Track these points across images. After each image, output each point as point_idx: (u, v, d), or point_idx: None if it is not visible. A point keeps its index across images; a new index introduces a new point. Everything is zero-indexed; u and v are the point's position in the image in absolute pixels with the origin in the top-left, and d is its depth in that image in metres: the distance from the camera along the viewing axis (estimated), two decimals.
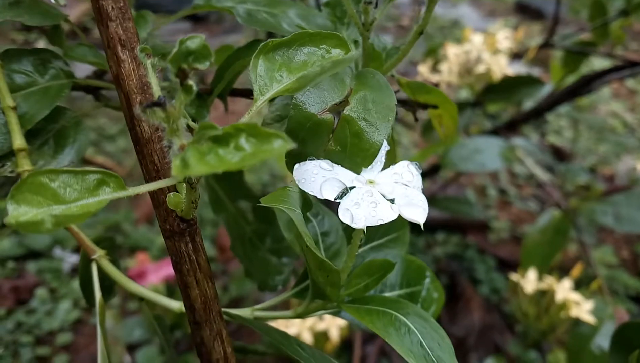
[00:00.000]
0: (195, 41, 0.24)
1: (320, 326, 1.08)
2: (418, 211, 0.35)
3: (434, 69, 1.42)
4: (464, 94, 1.41)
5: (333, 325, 1.08)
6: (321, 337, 1.09)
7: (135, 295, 0.41)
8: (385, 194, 0.35)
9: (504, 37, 1.40)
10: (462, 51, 1.37)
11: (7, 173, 0.42)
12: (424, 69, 1.42)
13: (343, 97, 0.37)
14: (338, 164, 0.37)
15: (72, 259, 1.57)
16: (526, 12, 3.60)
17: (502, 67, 1.35)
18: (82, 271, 0.44)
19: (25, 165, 0.41)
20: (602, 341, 1.09)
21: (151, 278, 1.35)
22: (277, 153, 0.23)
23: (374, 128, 0.37)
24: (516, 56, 1.58)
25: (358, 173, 0.37)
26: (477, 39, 1.38)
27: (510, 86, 1.34)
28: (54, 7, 0.46)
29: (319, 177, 0.35)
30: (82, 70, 0.52)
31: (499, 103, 1.49)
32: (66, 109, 0.46)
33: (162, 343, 0.45)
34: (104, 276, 0.43)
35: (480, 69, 1.34)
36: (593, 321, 1.09)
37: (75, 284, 1.49)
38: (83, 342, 1.36)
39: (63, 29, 0.47)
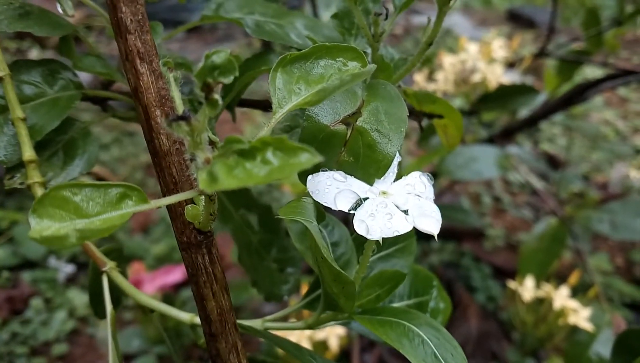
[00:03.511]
0: (220, 56, 0.24)
1: (320, 335, 1.08)
2: (431, 222, 0.35)
3: (430, 78, 1.42)
4: (458, 103, 1.42)
5: (332, 335, 1.08)
6: (320, 346, 1.08)
7: (147, 307, 0.41)
8: (399, 205, 0.35)
9: (499, 46, 1.41)
10: (458, 60, 1.38)
11: (17, 184, 0.42)
12: (419, 78, 1.42)
13: (355, 109, 0.37)
14: (351, 176, 0.37)
15: (67, 269, 1.56)
16: (518, 21, 3.63)
17: (497, 76, 1.36)
18: (91, 283, 0.44)
19: (35, 177, 0.41)
20: (600, 348, 1.10)
21: (147, 287, 1.34)
22: (304, 167, 0.23)
23: (386, 139, 0.37)
24: (510, 65, 1.59)
25: (371, 184, 0.37)
26: (472, 48, 1.39)
27: (505, 95, 1.35)
28: (62, 18, 0.46)
29: (332, 188, 0.35)
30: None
31: (494, 112, 1.50)
32: (75, 120, 0.46)
33: (173, 355, 0.45)
34: (112, 288, 0.43)
35: (476, 78, 1.35)
36: (591, 328, 1.09)
37: (71, 294, 1.48)
38: (79, 352, 1.35)
39: (72, 39, 0.47)
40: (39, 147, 0.43)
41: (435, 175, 1.49)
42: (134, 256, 1.60)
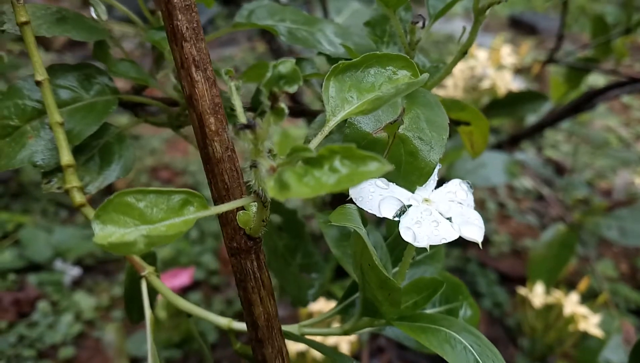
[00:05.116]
0: (286, 66, 0.24)
1: (331, 340, 1.08)
2: (475, 230, 0.35)
3: (439, 84, 1.43)
4: None
5: (343, 340, 1.08)
6: None
7: (183, 311, 0.41)
8: (442, 212, 0.36)
9: (508, 54, 1.42)
10: (467, 67, 1.39)
11: (54, 189, 0.42)
12: None
13: (397, 116, 0.37)
14: (393, 183, 0.37)
15: (74, 271, 1.55)
16: (519, 27, 3.64)
17: (506, 83, 1.37)
18: (128, 288, 0.44)
19: (73, 181, 0.41)
20: (610, 354, 1.10)
21: None
22: (373, 175, 0.23)
23: (428, 147, 0.37)
24: (515, 71, 1.60)
25: (412, 192, 0.37)
26: (481, 55, 1.40)
27: (514, 101, 1.35)
28: (97, 22, 0.46)
29: (376, 195, 0.36)
30: None
31: (503, 118, 1.50)
32: (109, 124, 0.46)
33: (208, 358, 0.45)
34: (148, 292, 0.43)
35: (485, 84, 1.35)
36: (601, 335, 1.10)
37: (77, 297, 1.48)
38: (86, 355, 1.35)
39: (108, 44, 0.48)
40: (74, 151, 0.43)
41: (443, 181, 1.49)
42: None
